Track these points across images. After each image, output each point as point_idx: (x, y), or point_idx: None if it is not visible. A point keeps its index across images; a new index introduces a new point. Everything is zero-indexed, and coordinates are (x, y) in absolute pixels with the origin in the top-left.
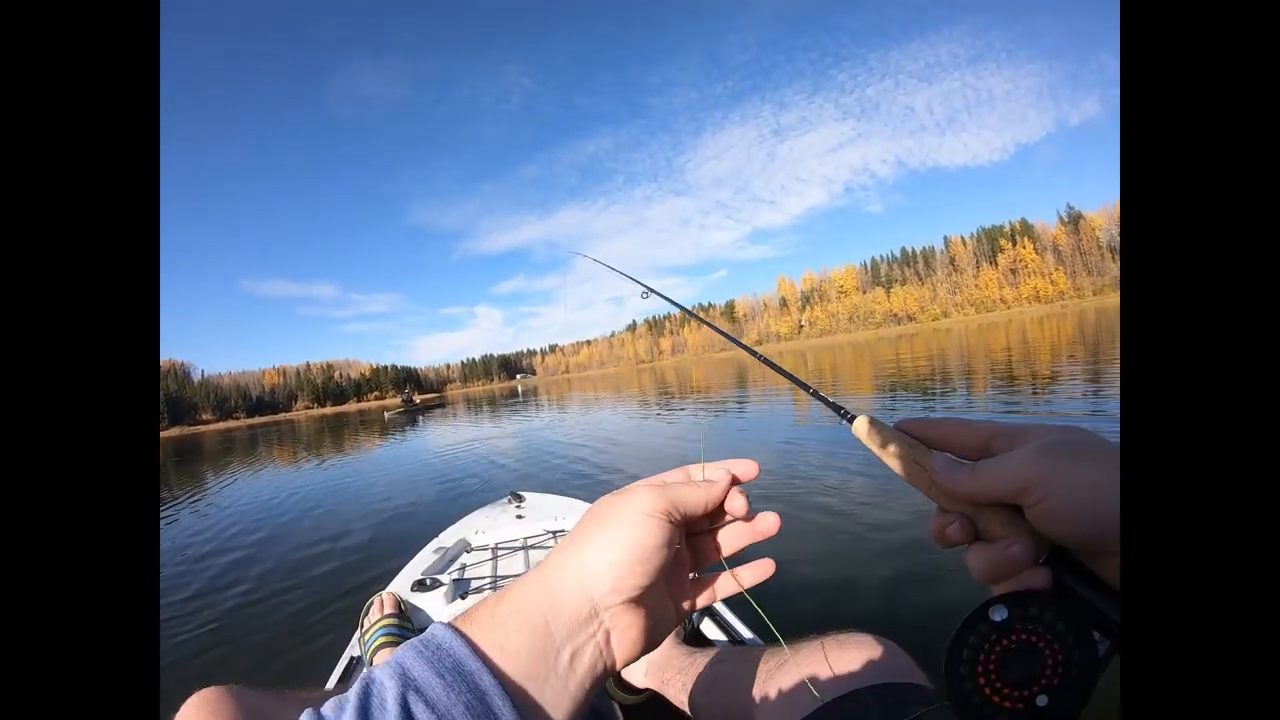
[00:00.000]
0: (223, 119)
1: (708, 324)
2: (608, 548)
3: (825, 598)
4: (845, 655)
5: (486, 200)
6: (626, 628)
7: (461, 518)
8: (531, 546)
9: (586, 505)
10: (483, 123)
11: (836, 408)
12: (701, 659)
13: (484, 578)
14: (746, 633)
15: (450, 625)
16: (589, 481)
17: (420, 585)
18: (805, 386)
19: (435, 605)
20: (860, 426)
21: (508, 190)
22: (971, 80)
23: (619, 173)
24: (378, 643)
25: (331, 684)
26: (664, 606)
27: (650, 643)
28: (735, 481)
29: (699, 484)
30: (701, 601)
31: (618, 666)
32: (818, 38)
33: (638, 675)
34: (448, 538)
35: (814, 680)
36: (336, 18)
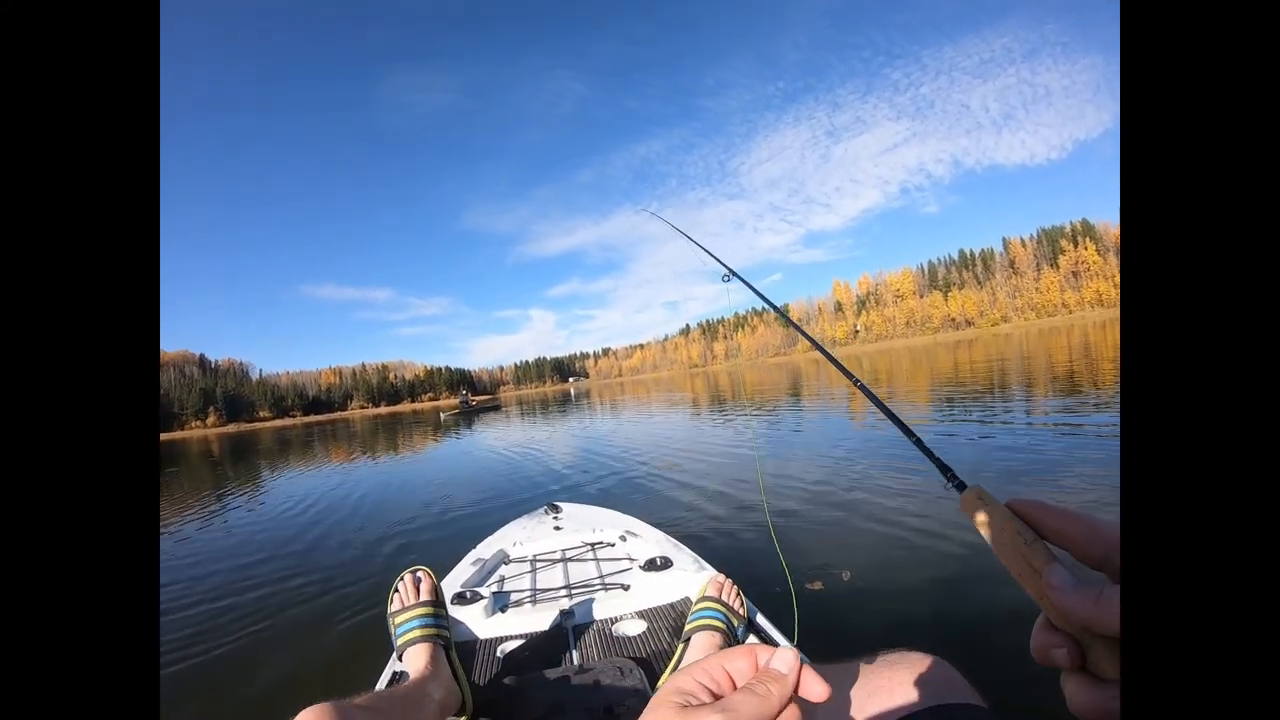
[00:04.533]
0: (277, 127)
1: (791, 322)
2: None
3: (877, 615)
4: (899, 675)
5: (540, 204)
6: None
7: (500, 527)
8: (570, 559)
9: (624, 517)
10: (533, 127)
11: (945, 469)
12: None
13: (523, 590)
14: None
15: None
16: (641, 493)
17: (460, 598)
18: (909, 432)
19: (476, 618)
20: (969, 500)
21: (561, 194)
22: (1027, 75)
23: (672, 176)
24: (415, 634)
25: (382, 683)
26: None
27: None
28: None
29: (756, 692)
30: None
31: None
32: (870, 35)
33: None
34: (485, 549)
35: (868, 701)
36: (381, 28)
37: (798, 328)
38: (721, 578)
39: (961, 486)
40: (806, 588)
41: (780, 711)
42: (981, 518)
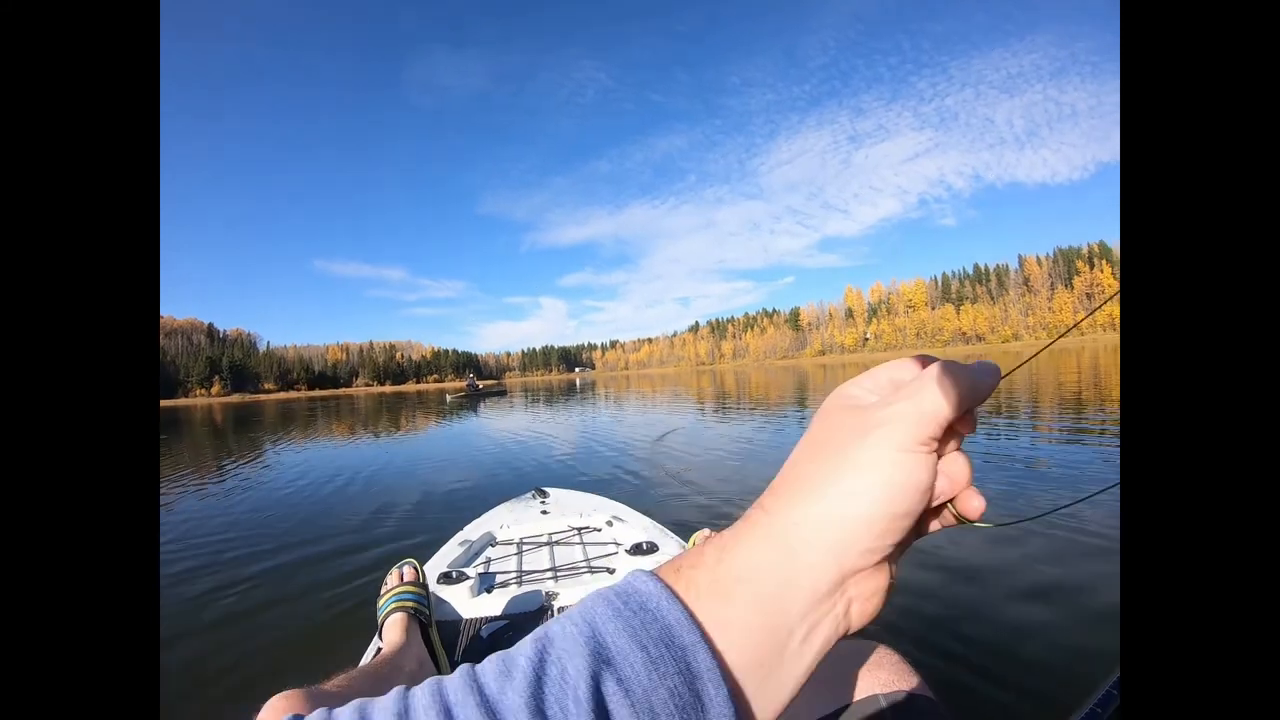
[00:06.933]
0: (302, 100)
1: None
2: (861, 496)
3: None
4: (846, 662)
5: (557, 193)
6: (870, 595)
7: (488, 510)
8: (556, 542)
9: (611, 502)
10: (557, 116)
11: None
12: None
13: (509, 572)
14: None
15: (655, 575)
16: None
17: (446, 578)
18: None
19: (461, 598)
20: None
21: (579, 184)
22: (1054, 94)
23: (691, 172)
24: (391, 607)
25: (364, 662)
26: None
27: (884, 605)
28: None
29: (958, 376)
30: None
31: (842, 638)
32: (898, 41)
33: None
34: (473, 531)
35: (816, 688)
36: (417, 9)
37: None
38: (707, 531)
39: None
40: None
41: (979, 402)
42: None
